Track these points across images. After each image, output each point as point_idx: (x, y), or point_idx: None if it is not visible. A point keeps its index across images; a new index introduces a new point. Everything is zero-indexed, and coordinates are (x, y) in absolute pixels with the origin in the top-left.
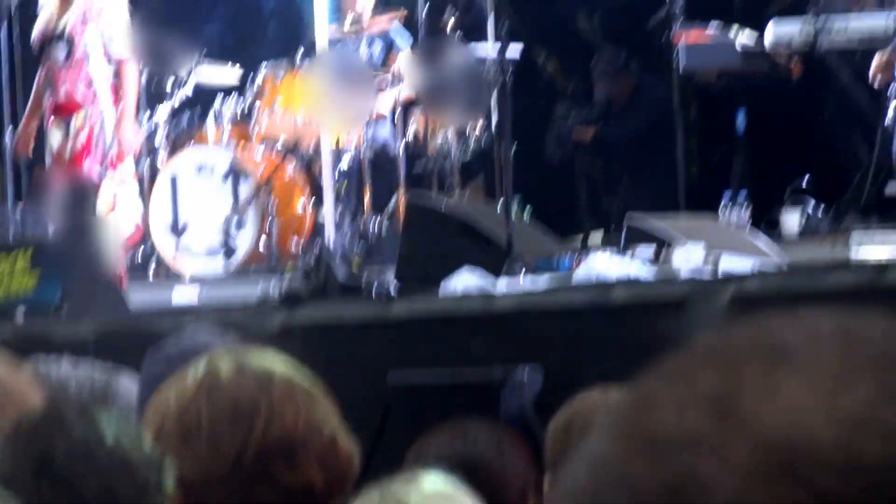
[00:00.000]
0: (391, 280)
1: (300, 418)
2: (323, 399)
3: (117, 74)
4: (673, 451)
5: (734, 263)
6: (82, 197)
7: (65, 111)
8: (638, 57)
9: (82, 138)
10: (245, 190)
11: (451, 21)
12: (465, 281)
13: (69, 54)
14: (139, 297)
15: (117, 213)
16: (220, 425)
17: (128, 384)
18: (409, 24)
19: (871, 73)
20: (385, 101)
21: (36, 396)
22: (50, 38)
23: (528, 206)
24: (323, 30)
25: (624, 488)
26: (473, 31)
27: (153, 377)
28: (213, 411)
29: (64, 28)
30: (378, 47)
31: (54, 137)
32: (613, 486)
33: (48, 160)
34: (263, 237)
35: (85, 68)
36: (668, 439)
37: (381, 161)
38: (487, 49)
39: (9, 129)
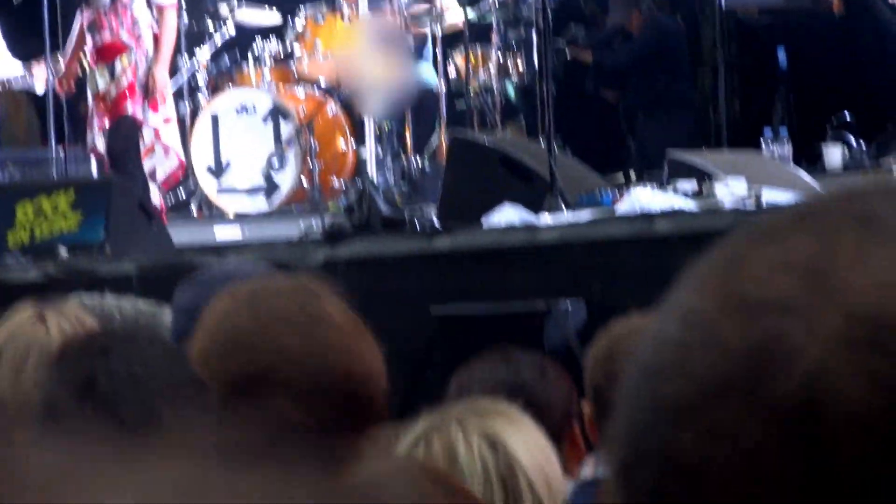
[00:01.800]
0: (434, 214)
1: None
2: (354, 332)
3: (158, 19)
4: (762, 312)
5: (776, 197)
6: (126, 135)
7: (109, 54)
8: None
9: (126, 80)
10: (286, 130)
11: None
12: (507, 216)
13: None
14: (182, 235)
15: (158, 152)
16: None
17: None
18: None
19: None
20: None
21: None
22: None
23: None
24: None
25: (711, 345)
26: None
27: (184, 306)
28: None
29: None
30: None
31: (98, 79)
32: (701, 342)
33: (90, 101)
34: (305, 176)
35: (129, 12)
36: (759, 301)
37: (422, 99)
38: None
39: (49, 72)
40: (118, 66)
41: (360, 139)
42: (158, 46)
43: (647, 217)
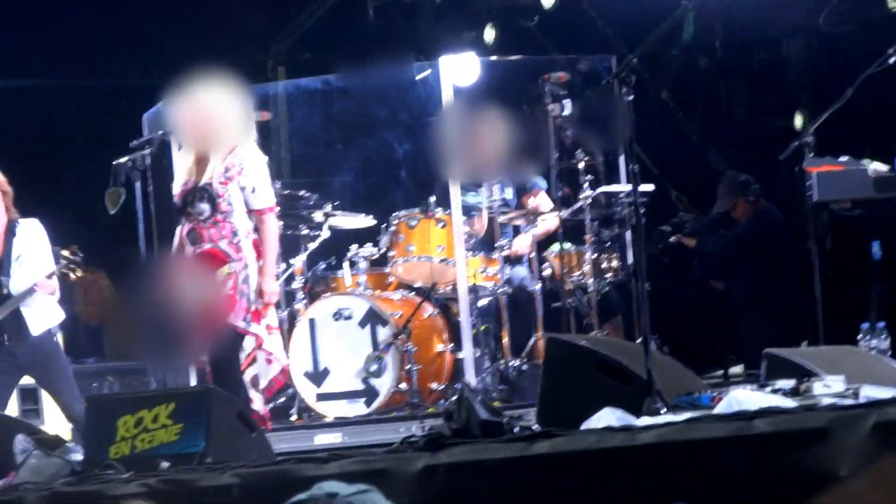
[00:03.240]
0: (534, 417)
1: None
2: None
3: (258, 227)
4: None
5: (876, 393)
6: (227, 345)
7: (210, 263)
8: (767, 187)
9: (226, 290)
10: (383, 334)
11: (583, 164)
12: (606, 420)
13: (213, 209)
14: (282, 442)
15: (260, 359)
16: None
17: None
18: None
19: None
20: (522, 242)
21: None
22: (193, 194)
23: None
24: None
25: None
26: (605, 173)
27: None
28: None
29: (207, 185)
30: (510, 190)
31: (200, 289)
32: None
33: (191, 312)
34: (403, 380)
35: (229, 222)
36: None
37: (518, 300)
38: (620, 188)
39: (146, 279)
40: (219, 275)
41: (456, 341)
42: (262, 256)
43: (744, 416)
